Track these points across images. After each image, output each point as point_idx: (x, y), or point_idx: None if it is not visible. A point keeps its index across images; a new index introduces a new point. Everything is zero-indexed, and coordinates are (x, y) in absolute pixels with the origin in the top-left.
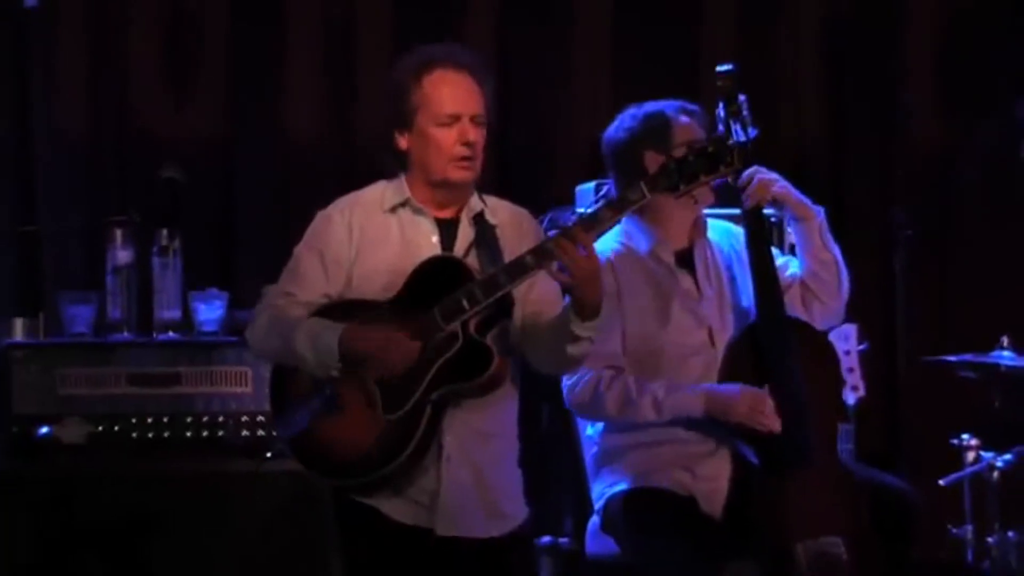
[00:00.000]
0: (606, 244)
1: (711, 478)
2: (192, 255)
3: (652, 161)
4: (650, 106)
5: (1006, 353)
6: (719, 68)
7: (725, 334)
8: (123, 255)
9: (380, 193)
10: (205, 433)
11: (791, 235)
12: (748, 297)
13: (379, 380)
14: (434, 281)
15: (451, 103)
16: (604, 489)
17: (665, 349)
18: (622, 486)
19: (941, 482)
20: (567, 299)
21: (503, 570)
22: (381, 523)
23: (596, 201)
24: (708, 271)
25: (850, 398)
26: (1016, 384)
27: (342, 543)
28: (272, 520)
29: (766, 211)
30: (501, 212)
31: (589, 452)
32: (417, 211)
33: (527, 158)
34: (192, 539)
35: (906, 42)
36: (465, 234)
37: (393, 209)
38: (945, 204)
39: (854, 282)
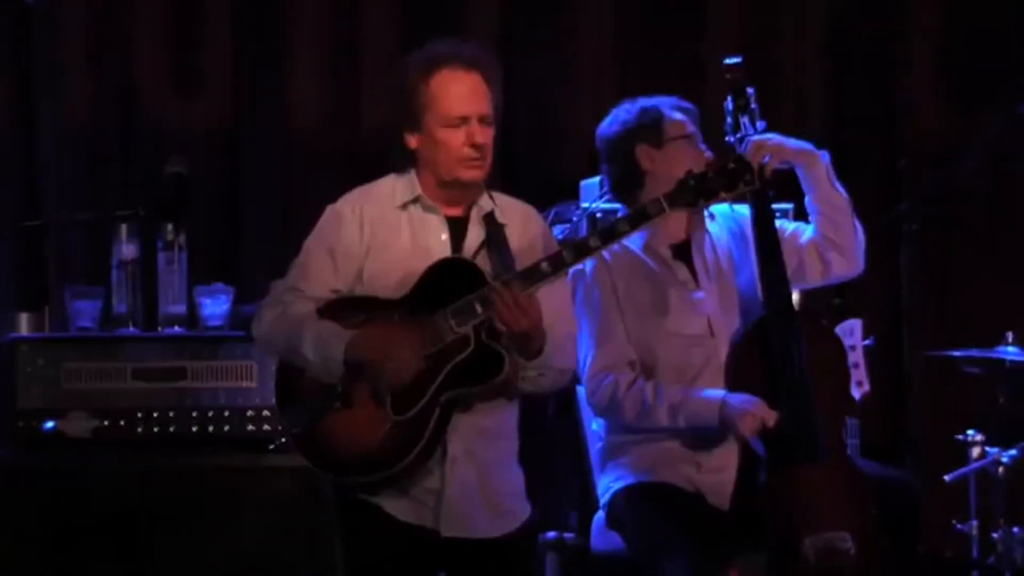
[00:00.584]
0: None
1: (718, 471)
2: (198, 249)
3: (644, 155)
4: (644, 101)
5: (1011, 348)
6: (727, 60)
7: (726, 324)
8: (128, 249)
9: (391, 188)
10: (210, 428)
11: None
12: (752, 285)
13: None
14: (446, 283)
15: (458, 105)
16: (609, 484)
17: (665, 341)
18: (627, 481)
19: (946, 478)
20: None
21: (508, 568)
22: (384, 521)
23: (600, 196)
24: (706, 263)
25: (855, 394)
26: (1021, 380)
27: (345, 540)
28: (277, 514)
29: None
30: (510, 211)
31: (594, 447)
32: (428, 208)
33: (532, 152)
34: (197, 533)
35: (909, 34)
36: (475, 233)
37: (404, 206)
38: (949, 198)
39: (859, 277)
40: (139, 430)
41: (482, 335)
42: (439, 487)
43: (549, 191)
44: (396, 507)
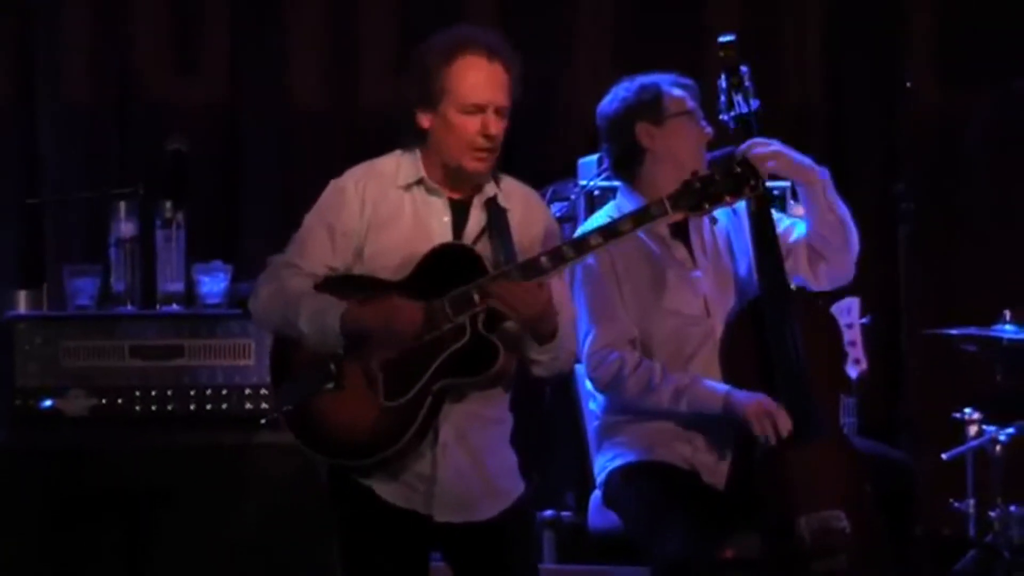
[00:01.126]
0: (598, 221)
1: (713, 449)
2: (196, 227)
3: (644, 133)
4: (644, 78)
5: (1008, 327)
6: (721, 38)
7: (722, 304)
8: (127, 227)
9: (395, 166)
10: (208, 406)
11: (795, 207)
12: (748, 266)
13: (383, 363)
14: (447, 269)
15: (478, 92)
16: (606, 463)
17: (662, 319)
18: (624, 459)
19: (943, 456)
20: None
21: (504, 547)
22: (376, 504)
23: (599, 173)
24: (704, 243)
25: (852, 372)
26: (1018, 358)
27: (338, 521)
28: (276, 492)
29: (770, 183)
30: (513, 195)
31: (591, 426)
32: (431, 191)
33: (529, 130)
34: (196, 511)
35: (908, 11)
36: (477, 218)
37: (407, 187)
38: (947, 176)
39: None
40: (137, 408)
41: (478, 326)
42: (430, 472)
43: (547, 170)
44: (387, 491)
